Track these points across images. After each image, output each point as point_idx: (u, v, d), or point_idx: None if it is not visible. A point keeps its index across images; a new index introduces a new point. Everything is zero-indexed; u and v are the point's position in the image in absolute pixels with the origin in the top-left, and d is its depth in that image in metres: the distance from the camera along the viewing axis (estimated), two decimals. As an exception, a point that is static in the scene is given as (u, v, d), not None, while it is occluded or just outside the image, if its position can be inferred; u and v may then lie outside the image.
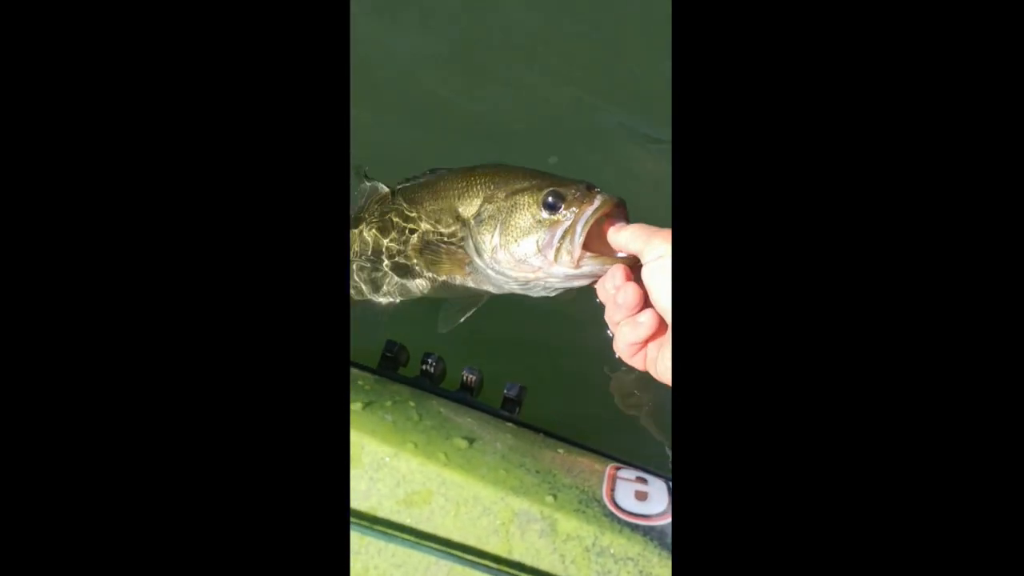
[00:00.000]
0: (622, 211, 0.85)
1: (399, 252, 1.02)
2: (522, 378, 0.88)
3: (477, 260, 0.94)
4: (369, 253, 1.06)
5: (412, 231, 1.01)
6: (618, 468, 0.76)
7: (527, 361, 1.10)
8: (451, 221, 0.97)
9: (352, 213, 1.09)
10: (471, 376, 0.87)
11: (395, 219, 1.03)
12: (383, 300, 1.07)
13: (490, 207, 0.92)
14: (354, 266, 1.07)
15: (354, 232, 1.07)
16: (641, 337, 0.69)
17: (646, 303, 0.76)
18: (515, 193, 0.90)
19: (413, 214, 1.01)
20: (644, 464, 0.78)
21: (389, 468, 0.68)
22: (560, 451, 0.78)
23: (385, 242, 1.03)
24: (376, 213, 1.06)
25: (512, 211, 0.89)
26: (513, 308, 1.11)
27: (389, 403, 0.76)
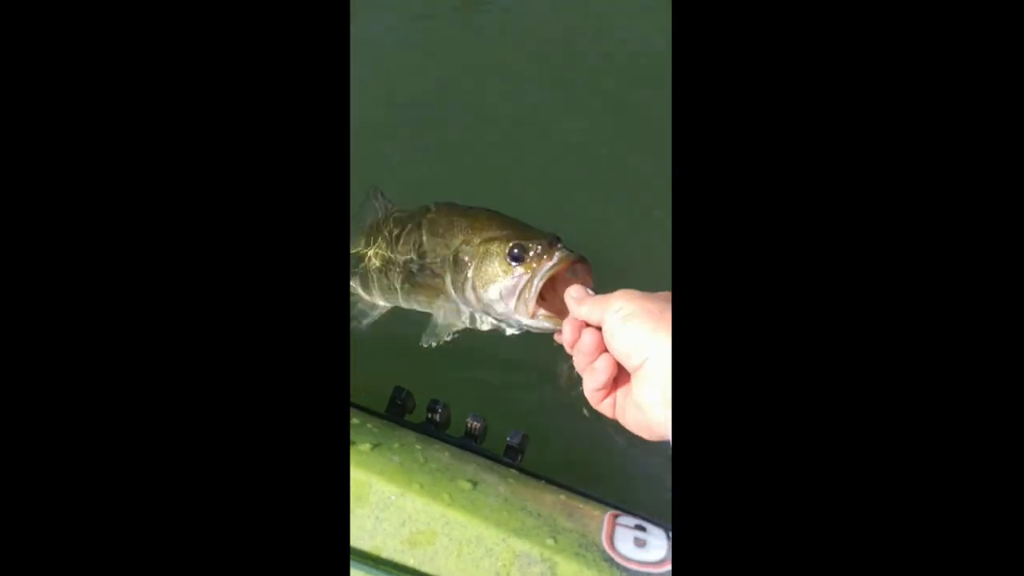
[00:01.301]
0: (584, 267, 0.89)
1: (394, 272, 1.10)
2: (525, 424, 0.91)
3: (454, 295, 1.00)
4: (373, 263, 1.14)
5: (405, 259, 1.08)
6: (617, 515, 0.77)
7: (529, 408, 1.13)
8: (435, 257, 1.03)
9: (364, 225, 1.19)
10: (475, 423, 0.89)
11: (393, 241, 1.11)
12: (380, 302, 1.16)
13: (467, 249, 0.98)
14: (360, 269, 1.16)
15: (361, 241, 1.17)
16: (600, 383, 0.71)
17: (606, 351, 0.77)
18: (487, 240, 0.96)
19: (406, 243, 1.09)
20: (643, 513, 0.79)
21: (395, 507, 0.70)
22: (561, 496, 0.80)
23: (386, 256, 1.12)
24: (383, 230, 1.15)
25: (483, 257, 0.95)
26: (516, 358, 1.14)
27: (396, 445, 0.78)
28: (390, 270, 1.10)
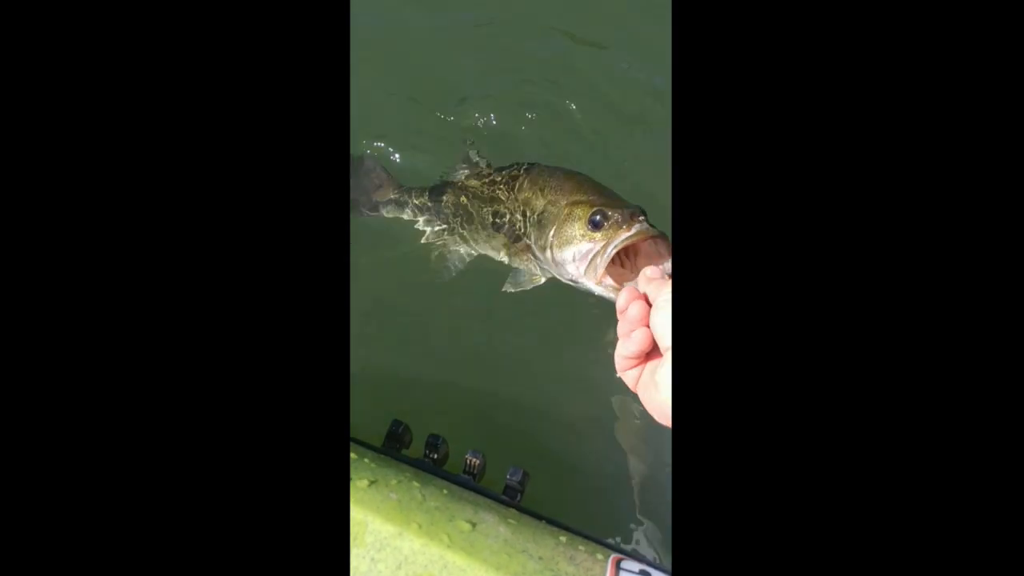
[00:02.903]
0: (666, 244, 0.90)
1: (484, 221, 1.14)
2: (524, 461, 0.89)
3: (534, 251, 1.04)
4: (467, 210, 1.18)
5: (499, 211, 1.12)
6: (620, 559, 0.75)
7: (530, 445, 1.10)
8: (523, 212, 1.08)
9: (456, 175, 1.24)
10: (475, 460, 0.87)
11: (490, 193, 1.15)
12: (464, 249, 1.20)
13: (552, 210, 1.01)
14: (447, 216, 1.21)
15: (453, 192, 1.21)
16: (631, 352, 0.72)
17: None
18: (573, 204, 0.99)
19: (504, 196, 1.13)
20: (647, 558, 0.77)
21: (392, 548, 0.68)
22: (562, 538, 0.77)
23: (479, 209, 1.15)
24: (473, 182, 1.19)
25: (566, 219, 0.98)
26: (519, 395, 1.13)
27: (394, 482, 0.76)
28: (482, 218, 1.14)
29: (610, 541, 0.80)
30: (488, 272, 1.13)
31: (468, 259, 1.19)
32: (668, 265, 0.87)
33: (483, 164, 1.23)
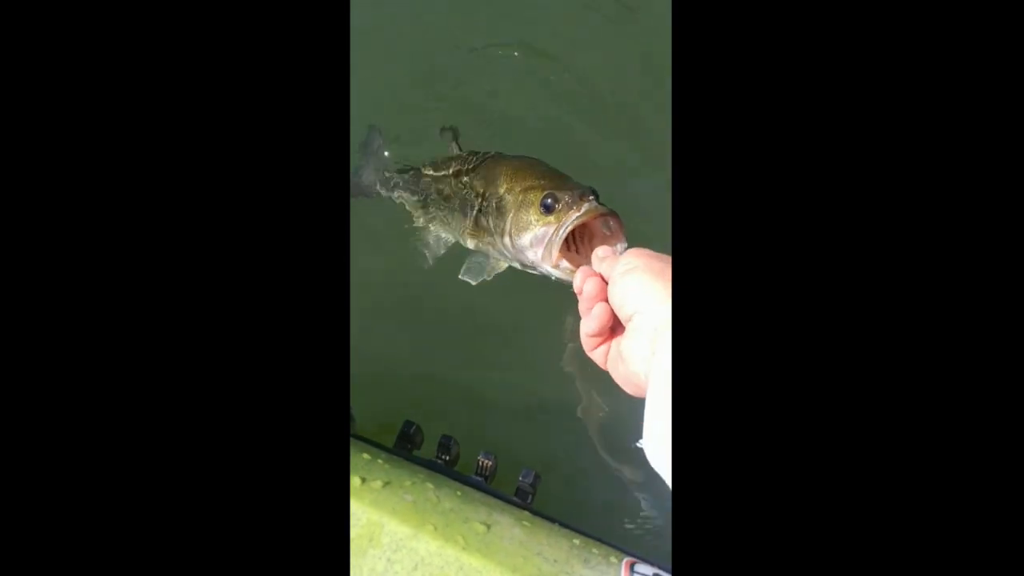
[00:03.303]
0: (616, 223, 0.92)
1: (452, 207, 1.16)
2: (535, 462, 0.89)
3: (495, 238, 1.05)
4: (437, 197, 1.20)
5: (460, 197, 1.14)
6: (634, 562, 0.75)
7: (540, 445, 1.10)
8: (484, 200, 1.09)
9: (438, 160, 1.26)
10: (487, 461, 0.87)
11: (460, 178, 1.16)
12: (443, 235, 1.21)
13: (508, 197, 1.03)
14: (426, 200, 1.23)
15: (430, 178, 1.23)
16: (593, 329, 0.72)
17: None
18: (527, 189, 1.01)
19: (464, 184, 1.14)
20: (660, 561, 0.77)
21: (408, 550, 0.68)
22: (575, 541, 0.77)
23: (448, 192, 1.17)
24: (451, 168, 1.20)
25: (520, 206, 1.00)
26: (528, 397, 1.13)
27: (408, 483, 0.76)
28: (450, 205, 1.16)
29: (624, 546, 0.80)
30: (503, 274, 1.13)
31: (448, 244, 1.20)
32: (621, 245, 0.88)
33: (456, 149, 1.25)
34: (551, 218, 0.94)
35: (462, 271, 1.10)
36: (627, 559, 0.75)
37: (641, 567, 0.74)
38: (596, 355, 0.75)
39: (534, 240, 0.97)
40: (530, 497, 0.87)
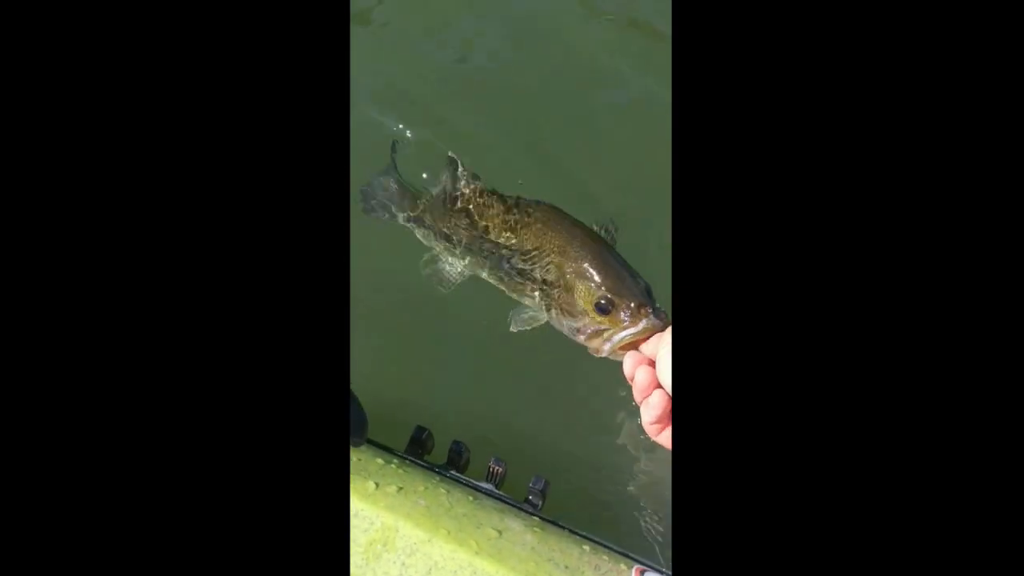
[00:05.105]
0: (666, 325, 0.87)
1: (483, 251, 1.09)
2: (545, 469, 0.90)
3: (538, 301, 1.02)
4: (462, 233, 1.12)
5: (493, 246, 1.08)
6: (644, 570, 0.76)
7: (551, 452, 1.11)
8: (526, 260, 1.04)
9: (443, 189, 1.17)
10: (498, 468, 0.88)
11: (486, 221, 1.10)
12: (461, 267, 1.14)
13: (556, 273, 0.99)
14: (445, 235, 1.15)
15: (450, 213, 1.14)
16: (652, 417, 0.72)
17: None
18: (580, 277, 0.96)
19: (500, 230, 1.08)
20: (668, 570, 0.78)
21: (422, 554, 0.69)
22: (585, 547, 0.78)
23: (476, 234, 1.10)
24: (473, 203, 1.12)
25: (571, 290, 0.96)
26: (538, 403, 1.13)
27: (422, 488, 0.77)
28: (481, 248, 1.09)
29: (632, 554, 0.81)
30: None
31: (466, 276, 1.15)
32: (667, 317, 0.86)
33: (469, 177, 1.15)
34: (604, 319, 0.91)
35: (511, 324, 1.05)
36: (637, 566, 0.76)
37: (651, 575, 0.75)
38: (662, 439, 0.74)
39: (582, 329, 0.94)
40: (541, 504, 0.87)
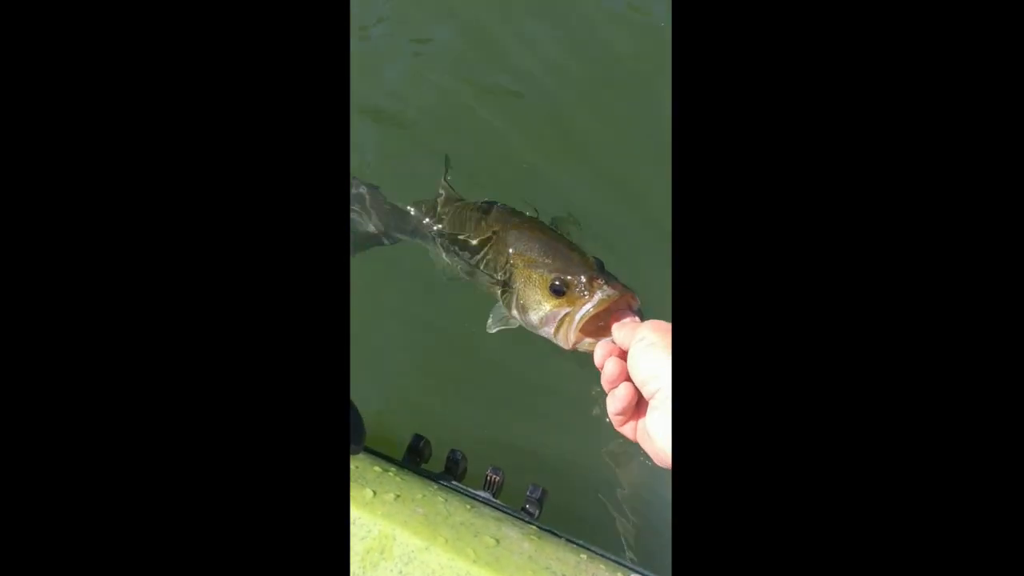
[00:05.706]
0: (630, 299, 0.87)
1: (454, 257, 1.13)
2: (542, 477, 0.90)
3: (503, 299, 1.02)
4: (440, 239, 1.16)
5: (462, 252, 1.11)
6: (641, 579, 0.76)
7: (547, 461, 1.11)
8: (489, 264, 1.06)
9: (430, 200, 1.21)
10: (495, 476, 0.88)
11: (454, 230, 1.13)
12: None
13: (513, 271, 1.00)
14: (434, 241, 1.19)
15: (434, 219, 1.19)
16: (617, 409, 0.72)
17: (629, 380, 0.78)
18: (530, 265, 0.98)
19: (464, 238, 1.11)
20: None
21: (420, 562, 0.69)
22: (582, 556, 0.78)
23: (447, 243, 1.14)
24: (447, 212, 1.17)
25: (527, 283, 0.97)
26: (538, 413, 1.13)
27: (419, 496, 0.77)
28: (451, 253, 1.12)
29: (629, 563, 0.81)
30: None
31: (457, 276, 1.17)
32: (635, 311, 0.86)
33: (448, 187, 1.19)
34: (562, 300, 0.91)
35: (489, 324, 1.06)
36: (634, 575, 0.76)
37: (648, 584, 0.75)
38: (626, 430, 0.75)
39: (545, 319, 0.93)
40: (538, 512, 0.87)
